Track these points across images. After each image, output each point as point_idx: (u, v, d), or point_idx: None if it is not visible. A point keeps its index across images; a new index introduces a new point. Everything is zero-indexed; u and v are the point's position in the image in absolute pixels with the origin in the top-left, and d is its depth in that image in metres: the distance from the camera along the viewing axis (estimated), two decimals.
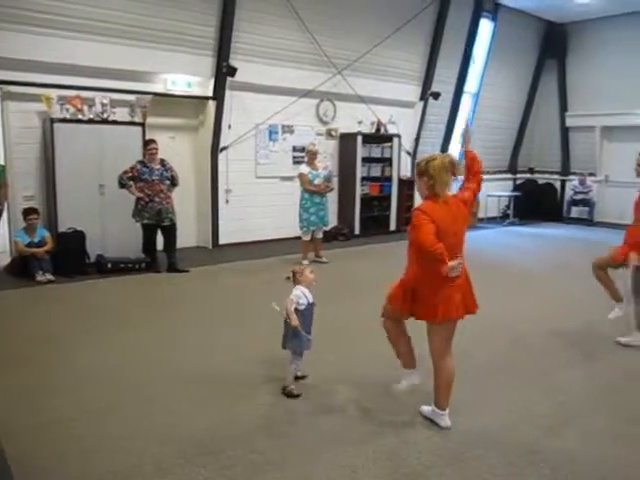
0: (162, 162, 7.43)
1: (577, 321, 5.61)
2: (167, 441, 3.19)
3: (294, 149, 10.05)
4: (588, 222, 13.21)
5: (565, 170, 14.29)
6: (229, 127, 9.16)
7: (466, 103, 12.78)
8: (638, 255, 4.71)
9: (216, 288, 6.93)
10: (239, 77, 8.74)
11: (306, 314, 3.77)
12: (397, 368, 3.68)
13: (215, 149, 9.09)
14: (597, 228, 12.36)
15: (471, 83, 12.69)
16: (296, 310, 3.71)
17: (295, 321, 3.66)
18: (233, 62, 8.65)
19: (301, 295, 3.76)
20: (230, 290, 6.82)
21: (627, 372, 4.37)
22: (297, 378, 3.94)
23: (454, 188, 3.35)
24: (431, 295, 3.22)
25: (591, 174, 13.59)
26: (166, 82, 8.47)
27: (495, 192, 13.53)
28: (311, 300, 3.80)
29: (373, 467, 2.99)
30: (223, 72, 8.62)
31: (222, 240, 9.36)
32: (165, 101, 8.44)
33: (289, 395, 3.78)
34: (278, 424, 3.43)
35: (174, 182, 7.52)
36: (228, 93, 8.98)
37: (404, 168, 11.52)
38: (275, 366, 4.14)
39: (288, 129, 9.98)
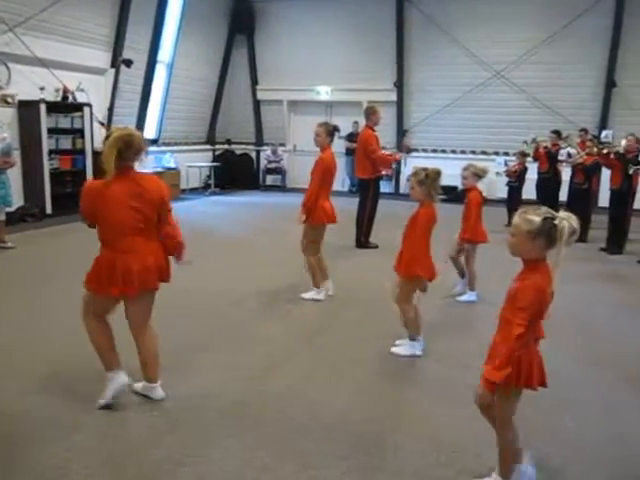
0: None
1: (276, 279, 6.11)
2: None
3: None
4: (281, 188, 14.54)
5: (259, 141, 15.29)
6: None
7: (161, 73, 12.57)
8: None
9: None
10: None
11: None
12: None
13: None
14: (289, 193, 13.56)
15: (165, 52, 12.50)
16: None
17: None
18: None
19: None
20: None
21: (315, 323, 4.95)
22: None
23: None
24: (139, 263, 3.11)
25: (281, 144, 14.86)
26: None
27: (195, 163, 13.75)
28: None
29: (87, 455, 2.83)
30: None
31: None
32: None
33: None
34: None
35: None
36: None
37: (98, 140, 10.82)
38: None
39: None
